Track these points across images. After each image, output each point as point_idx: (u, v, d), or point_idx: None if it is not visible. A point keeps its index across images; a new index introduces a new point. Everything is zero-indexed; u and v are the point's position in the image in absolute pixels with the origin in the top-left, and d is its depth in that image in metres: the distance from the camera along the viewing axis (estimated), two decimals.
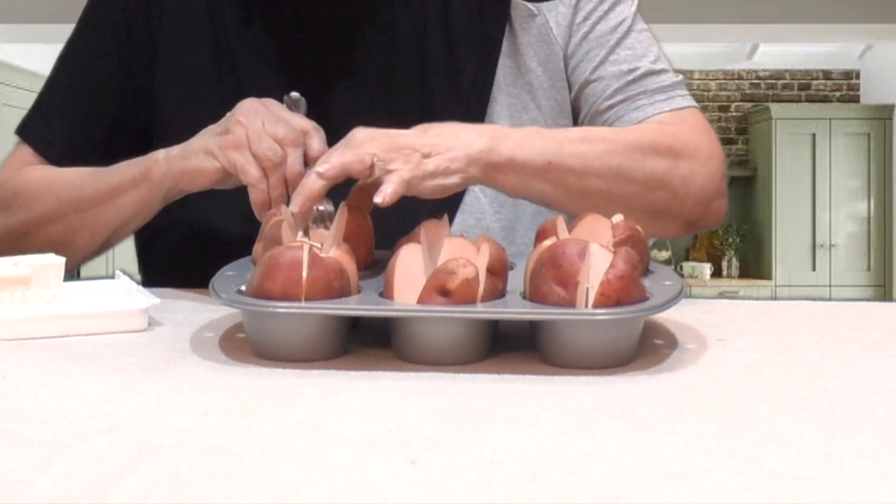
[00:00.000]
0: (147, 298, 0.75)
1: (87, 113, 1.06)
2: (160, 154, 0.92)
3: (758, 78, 7.11)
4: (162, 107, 1.04)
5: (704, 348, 0.67)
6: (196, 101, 1.03)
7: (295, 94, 0.91)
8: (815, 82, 7.12)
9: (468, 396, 0.55)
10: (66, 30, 1.10)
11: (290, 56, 1.02)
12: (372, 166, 0.78)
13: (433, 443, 0.46)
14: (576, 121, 1.05)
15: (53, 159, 1.05)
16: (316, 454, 0.45)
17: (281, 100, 0.91)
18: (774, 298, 4.66)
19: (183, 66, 1.04)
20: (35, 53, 5.54)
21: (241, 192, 0.91)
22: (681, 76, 1.04)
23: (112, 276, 0.82)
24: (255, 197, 0.84)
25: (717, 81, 7.09)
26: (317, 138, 0.85)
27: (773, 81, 7.11)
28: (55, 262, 0.76)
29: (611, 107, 1.00)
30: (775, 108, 6.66)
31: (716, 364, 0.63)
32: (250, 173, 0.84)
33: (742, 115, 7.09)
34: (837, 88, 7.12)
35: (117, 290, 0.78)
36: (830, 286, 6.55)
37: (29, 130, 1.08)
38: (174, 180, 0.90)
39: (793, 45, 6.60)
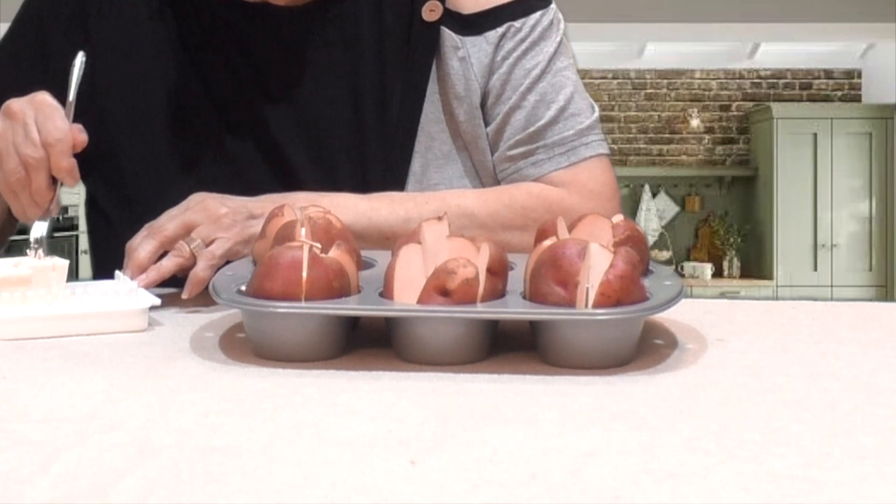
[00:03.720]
0: (147, 298, 0.75)
1: None
2: None
3: (759, 77, 7.10)
4: (110, 112, 1.03)
5: (704, 348, 0.67)
6: (140, 108, 1.03)
7: (70, 101, 0.90)
8: (816, 81, 7.11)
9: (468, 396, 0.55)
10: None
11: (224, 64, 1.02)
12: (192, 255, 0.85)
13: (433, 443, 0.46)
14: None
15: None
16: (316, 454, 0.45)
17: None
18: (776, 298, 4.66)
19: (124, 68, 1.03)
20: None
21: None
22: (595, 114, 1.03)
23: (112, 277, 0.82)
24: (14, 210, 0.90)
25: (719, 81, 7.09)
26: (58, 153, 0.85)
27: (775, 81, 7.11)
28: (56, 263, 0.76)
29: (512, 158, 1.01)
30: (777, 108, 6.66)
31: (716, 364, 0.63)
32: (4, 191, 0.88)
33: (743, 115, 7.09)
34: (839, 88, 7.12)
35: (117, 290, 0.78)
36: (832, 286, 6.54)
37: None
38: None
39: (794, 45, 6.60)
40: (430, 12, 1.01)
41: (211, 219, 0.86)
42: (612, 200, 1.00)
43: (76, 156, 0.88)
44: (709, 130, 7.10)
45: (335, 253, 0.66)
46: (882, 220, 6.56)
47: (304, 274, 0.63)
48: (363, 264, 0.75)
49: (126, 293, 0.77)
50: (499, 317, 0.64)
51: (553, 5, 1.05)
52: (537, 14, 1.02)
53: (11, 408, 0.53)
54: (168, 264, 0.84)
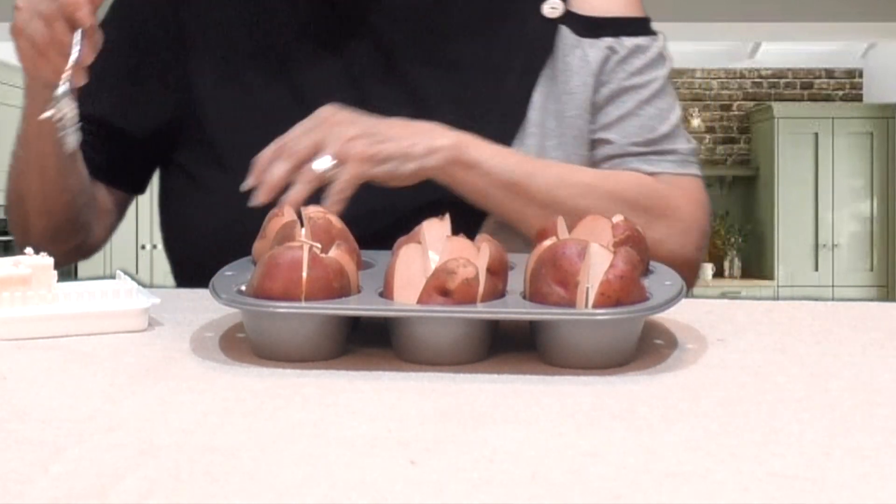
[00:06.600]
0: (147, 298, 0.75)
1: (119, 98, 1.07)
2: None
3: (760, 77, 7.11)
4: (199, 90, 1.05)
5: (704, 348, 0.67)
6: (234, 80, 1.04)
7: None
8: (817, 81, 7.11)
9: (468, 396, 0.55)
10: None
11: (330, 34, 1.03)
12: (319, 179, 0.84)
13: (433, 443, 0.46)
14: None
15: (92, 157, 1.05)
16: (316, 454, 0.45)
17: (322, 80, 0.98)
18: (777, 299, 4.66)
19: (218, 46, 1.05)
20: None
21: None
22: (694, 143, 1.07)
23: (112, 276, 0.82)
24: (47, 73, 0.90)
25: (720, 80, 7.09)
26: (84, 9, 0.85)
27: (776, 80, 7.11)
28: (44, 262, 0.76)
29: (622, 155, 1.03)
30: (778, 107, 6.66)
31: (716, 364, 0.63)
32: (35, 60, 0.90)
33: (744, 115, 7.09)
34: (840, 87, 7.12)
35: (117, 290, 0.78)
36: (833, 286, 6.55)
37: None
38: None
39: (795, 44, 6.60)
40: (552, 10, 1.04)
41: (341, 140, 0.85)
42: (708, 216, 1.03)
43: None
44: (709, 130, 7.10)
45: (335, 253, 0.66)
46: (883, 220, 6.56)
47: (304, 274, 0.63)
48: (363, 264, 0.75)
49: (126, 293, 0.77)
50: (499, 317, 0.64)
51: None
52: (659, 41, 1.07)
53: (11, 408, 0.53)
54: (299, 196, 0.83)
